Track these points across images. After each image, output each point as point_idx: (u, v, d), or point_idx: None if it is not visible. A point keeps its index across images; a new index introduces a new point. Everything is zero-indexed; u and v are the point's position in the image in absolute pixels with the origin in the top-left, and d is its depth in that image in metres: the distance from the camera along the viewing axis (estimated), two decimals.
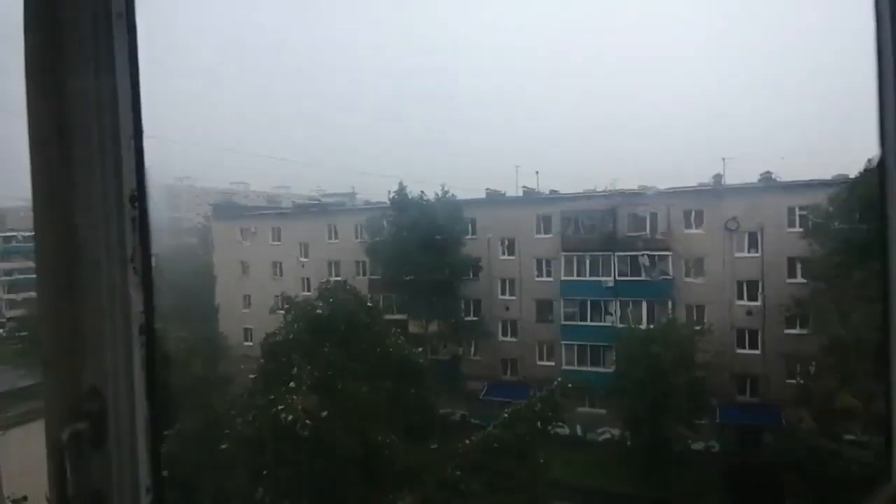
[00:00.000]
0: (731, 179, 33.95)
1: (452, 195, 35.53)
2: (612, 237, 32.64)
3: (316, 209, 44.15)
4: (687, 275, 31.82)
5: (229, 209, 47.93)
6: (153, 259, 1.29)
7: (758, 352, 30.48)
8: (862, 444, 24.06)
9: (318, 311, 17.73)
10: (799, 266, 28.48)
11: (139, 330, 1.21)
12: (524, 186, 39.60)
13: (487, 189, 40.24)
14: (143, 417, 1.22)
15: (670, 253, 31.72)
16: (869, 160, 26.40)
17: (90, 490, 1.22)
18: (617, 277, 32.64)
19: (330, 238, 39.54)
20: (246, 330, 36.41)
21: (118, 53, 1.17)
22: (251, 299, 39.18)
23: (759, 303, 30.36)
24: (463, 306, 35.89)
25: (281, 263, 40.52)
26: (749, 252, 30.75)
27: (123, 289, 1.18)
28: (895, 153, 0.81)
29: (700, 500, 24.83)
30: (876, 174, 0.82)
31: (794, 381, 28.00)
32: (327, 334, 17.14)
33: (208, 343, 29.83)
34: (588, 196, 35.17)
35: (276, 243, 41.99)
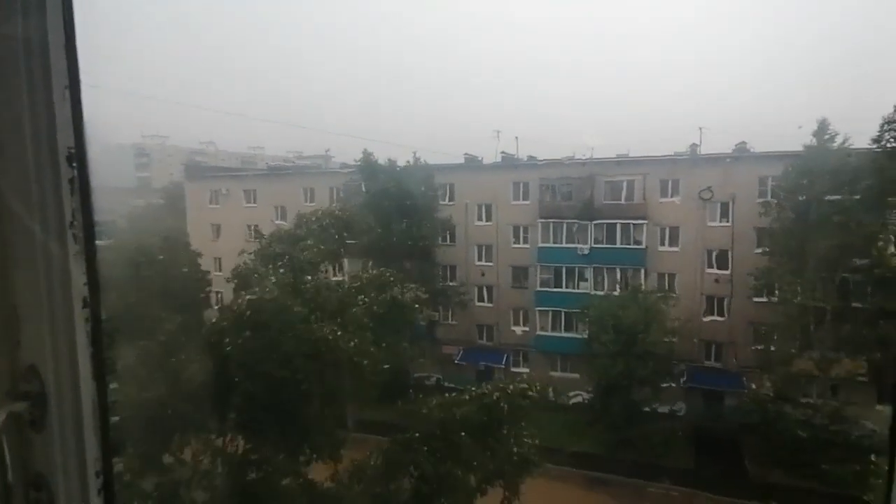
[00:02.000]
0: (708, 149, 34.27)
1: (424, 161, 35.13)
2: (589, 205, 32.79)
3: (291, 171, 43.25)
4: (661, 243, 32.30)
5: (200, 169, 46.61)
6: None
7: (724, 318, 31.38)
8: (815, 407, 25.24)
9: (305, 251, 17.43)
10: (767, 236, 29.12)
11: (82, 303, 1.10)
12: (503, 152, 39.39)
13: (466, 154, 39.92)
14: (89, 398, 1.13)
15: (646, 221, 32.07)
16: (814, 133, 26.95)
17: (32, 474, 1.13)
18: (592, 245, 32.96)
19: (306, 201, 38.87)
20: (217, 294, 35.95)
21: None
22: (222, 263, 38.58)
23: (727, 271, 31.09)
24: (440, 272, 35.98)
25: (256, 226, 39.83)
26: (721, 221, 31.27)
27: (62, 259, 1.07)
28: None
29: (664, 460, 25.85)
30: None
31: (758, 347, 29.01)
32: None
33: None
34: (566, 163, 35.13)
35: (251, 205, 41.19)
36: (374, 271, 19.52)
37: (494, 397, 15.24)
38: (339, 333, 15.29)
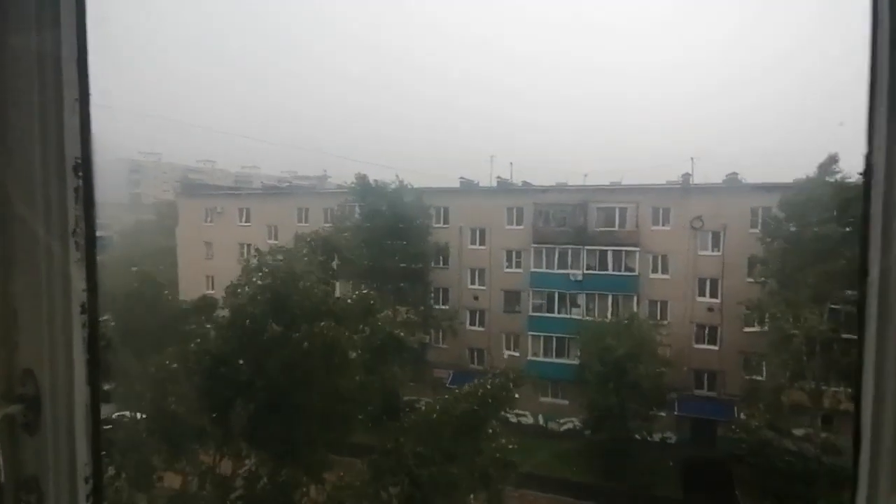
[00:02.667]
0: (698, 179, 34.77)
1: (409, 184, 35.32)
2: (583, 231, 33.03)
3: (286, 191, 43.37)
4: (653, 270, 32.49)
5: (195, 187, 46.66)
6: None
7: (716, 347, 31.41)
8: (808, 438, 25.13)
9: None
10: (758, 266, 29.36)
11: (80, 309, 1.12)
12: (498, 177, 39.76)
13: (461, 178, 40.27)
14: (82, 403, 1.14)
15: (638, 248, 32.30)
16: (820, 165, 27.41)
17: (25, 477, 1.14)
18: (585, 271, 33.09)
19: (300, 221, 38.90)
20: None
21: (63, 6, 1.07)
22: (215, 281, 38.35)
23: (718, 300, 31.24)
24: (432, 294, 35.92)
25: (249, 245, 39.75)
26: (712, 251, 31.56)
27: (63, 265, 1.09)
28: (883, 152, 0.80)
29: (654, 489, 25.56)
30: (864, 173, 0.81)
31: (748, 376, 28.99)
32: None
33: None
34: (560, 189, 35.43)
35: (245, 224, 41.16)
36: (357, 293, 19.42)
37: (479, 393, 15.71)
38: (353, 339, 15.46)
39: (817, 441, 24.66)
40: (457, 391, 16.93)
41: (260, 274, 16.39)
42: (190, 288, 38.58)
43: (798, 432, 25.65)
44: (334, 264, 21.14)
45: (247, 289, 16.27)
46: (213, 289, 38.34)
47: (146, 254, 38.31)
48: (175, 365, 16.06)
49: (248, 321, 15.34)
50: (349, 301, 18.40)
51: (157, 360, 16.65)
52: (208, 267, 39.89)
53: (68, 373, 1.12)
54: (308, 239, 20.42)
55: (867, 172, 0.81)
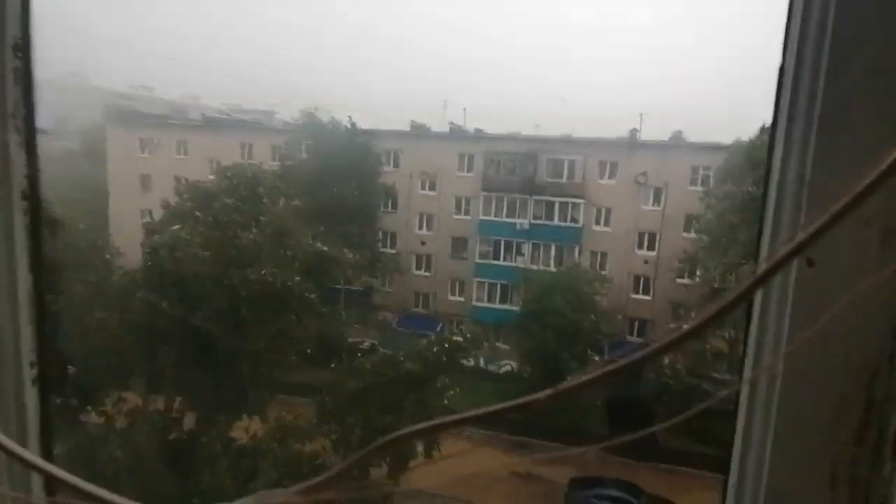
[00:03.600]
0: (646, 135, 35.58)
1: (359, 127, 34.41)
2: (531, 181, 33.47)
3: (228, 124, 41.28)
4: (597, 223, 33.56)
5: (128, 114, 43.53)
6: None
7: (649, 297, 33.24)
8: (724, 382, 27.44)
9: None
10: (694, 222, 30.88)
11: (21, 195, 1.11)
12: (451, 122, 39.18)
13: (413, 121, 39.41)
14: (25, 290, 1.15)
15: (583, 201, 33.15)
16: (762, 126, 28.68)
17: None
18: (532, 220, 33.78)
19: (243, 157, 37.37)
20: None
21: None
22: (154, 216, 36.66)
23: (655, 253, 32.81)
24: (380, 238, 35.82)
25: (187, 179, 37.87)
26: (653, 206, 32.82)
27: (3, 148, 1.07)
28: (785, 117, 0.90)
29: (583, 425, 27.43)
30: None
31: (677, 324, 31.00)
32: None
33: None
34: (512, 138, 35.50)
35: (182, 157, 39.16)
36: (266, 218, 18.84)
37: (434, 350, 16.02)
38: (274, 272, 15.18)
39: (729, 385, 26.93)
40: (407, 352, 17.05)
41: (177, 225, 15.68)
42: (125, 224, 36.76)
43: (717, 377, 27.93)
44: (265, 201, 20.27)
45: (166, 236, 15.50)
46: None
47: (76, 186, 35.88)
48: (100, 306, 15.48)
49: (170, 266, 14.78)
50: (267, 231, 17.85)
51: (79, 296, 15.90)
52: (145, 201, 37.97)
53: (10, 259, 1.12)
54: (228, 174, 19.55)
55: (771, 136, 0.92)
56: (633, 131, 35.97)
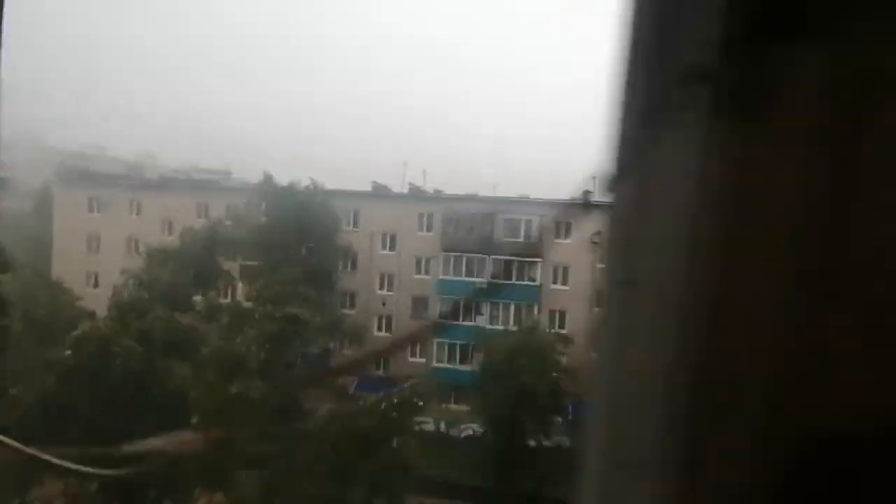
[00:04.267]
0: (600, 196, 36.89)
1: (322, 187, 34.50)
2: (489, 240, 33.92)
3: (184, 184, 40.60)
4: (554, 281, 34.02)
5: (77, 174, 42.33)
6: None
7: None
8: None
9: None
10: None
11: None
12: (410, 183, 39.74)
13: (374, 182, 39.78)
14: None
15: (540, 260, 33.68)
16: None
17: None
18: (490, 279, 33.97)
19: (200, 217, 36.64)
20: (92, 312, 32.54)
21: None
22: (99, 278, 35.15)
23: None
24: (339, 299, 35.19)
25: (137, 241, 36.70)
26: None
27: None
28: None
29: (545, 491, 26.62)
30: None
31: None
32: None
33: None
34: (471, 198, 36.17)
35: (135, 217, 38.12)
36: (274, 287, 18.62)
37: (382, 406, 15.58)
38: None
39: None
40: (360, 404, 16.57)
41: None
42: (68, 286, 35.05)
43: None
44: (233, 261, 19.93)
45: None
46: (96, 286, 35.11)
47: (19, 247, 34.19)
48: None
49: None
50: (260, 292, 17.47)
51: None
52: (91, 262, 36.49)
53: None
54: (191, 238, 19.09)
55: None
56: (587, 192, 37.24)
